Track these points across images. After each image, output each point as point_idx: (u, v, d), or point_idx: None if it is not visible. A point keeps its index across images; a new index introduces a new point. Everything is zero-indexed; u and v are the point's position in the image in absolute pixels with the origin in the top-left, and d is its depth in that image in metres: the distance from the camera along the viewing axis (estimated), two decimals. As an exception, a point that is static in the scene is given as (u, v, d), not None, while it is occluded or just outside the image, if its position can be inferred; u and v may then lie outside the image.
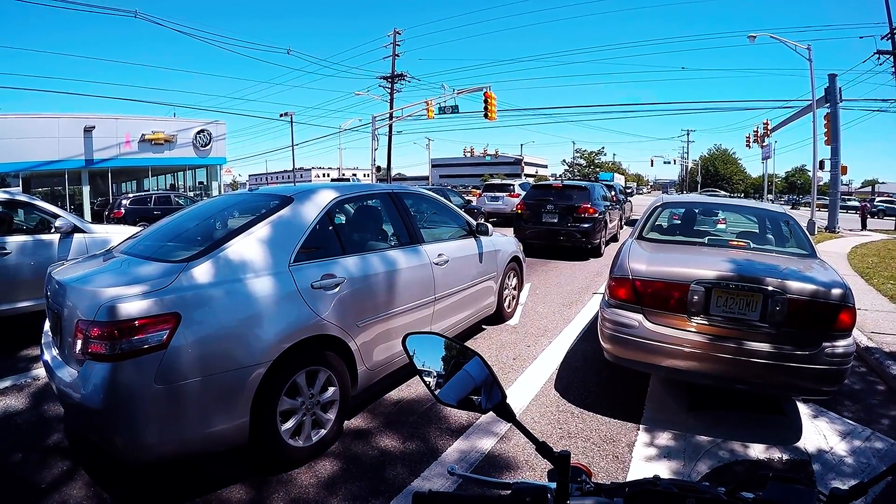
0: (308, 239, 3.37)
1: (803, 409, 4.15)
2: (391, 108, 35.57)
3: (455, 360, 1.14)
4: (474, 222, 5.53)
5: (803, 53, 22.50)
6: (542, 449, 0.98)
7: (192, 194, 29.80)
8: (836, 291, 3.63)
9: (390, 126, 35.82)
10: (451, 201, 7.56)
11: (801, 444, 3.62)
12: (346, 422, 3.59)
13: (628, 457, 3.35)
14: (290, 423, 3.02)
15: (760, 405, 4.17)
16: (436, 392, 1.13)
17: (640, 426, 3.77)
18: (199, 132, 31.91)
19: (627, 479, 1.27)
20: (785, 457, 3.46)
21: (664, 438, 3.61)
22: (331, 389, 3.26)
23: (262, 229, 3.19)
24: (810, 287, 3.66)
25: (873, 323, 6.61)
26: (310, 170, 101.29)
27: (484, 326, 5.96)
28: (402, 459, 3.22)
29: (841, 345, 3.56)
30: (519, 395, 4.21)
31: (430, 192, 5.49)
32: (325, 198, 3.69)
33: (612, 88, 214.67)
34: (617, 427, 3.74)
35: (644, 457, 3.36)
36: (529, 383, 4.48)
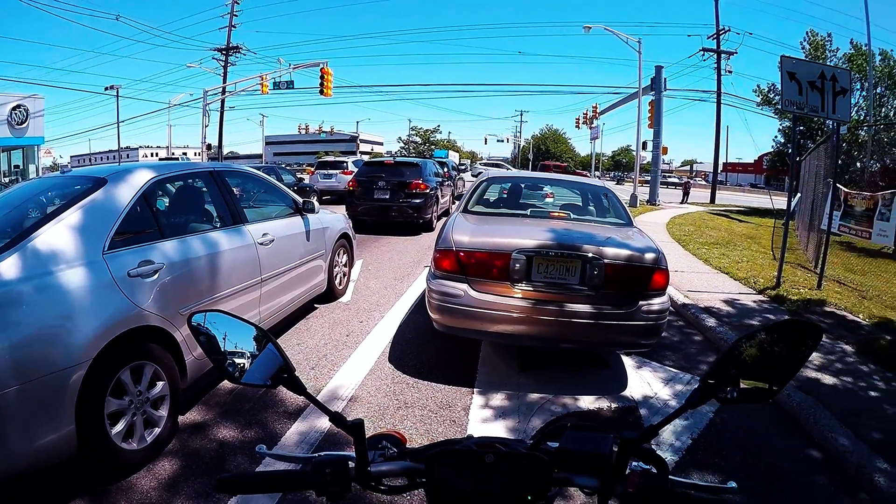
0: (123, 223, 3.10)
1: (628, 362, 4.64)
2: (224, 81, 33.67)
3: (241, 337, 1.08)
4: (300, 200, 5.45)
5: (634, 46, 24.88)
6: (336, 419, 0.98)
7: (6, 180, 25.08)
8: (650, 256, 4.05)
9: (222, 101, 33.70)
10: (282, 180, 7.32)
11: (627, 392, 4.07)
12: (180, 417, 3.39)
13: (465, 420, 3.57)
14: (120, 426, 2.78)
15: (587, 361, 4.59)
16: (230, 372, 1.07)
17: (475, 390, 4.01)
18: (13, 108, 26.59)
19: None
20: (614, 405, 3.85)
21: (498, 399, 3.87)
22: (159, 384, 3.05)
23: (72, 215, 2.87)
24: (625, 252, 4.04)
25: (689, 283, 7.65)
26: (137, 149, 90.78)
27: (316, 305, 5.93)
28: (241, 449, 3.15)
29: (656, 302, 3.98)
30: (354, 371, 4.28)
31: (253, 170, 5.33)
32: (141, 178, 3.41)
33: (449, 68, 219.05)
34: (452, 393, 3.96)
35: (480, 419, 3.59)
36: (364, 358, 4.55)
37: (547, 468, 0.88)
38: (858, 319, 5.99)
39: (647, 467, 0.92)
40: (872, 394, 4.08)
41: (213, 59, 36.01)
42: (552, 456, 0.92)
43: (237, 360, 1.07)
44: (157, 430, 3.02)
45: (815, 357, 4.68)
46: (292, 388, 1.03)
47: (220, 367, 1.08)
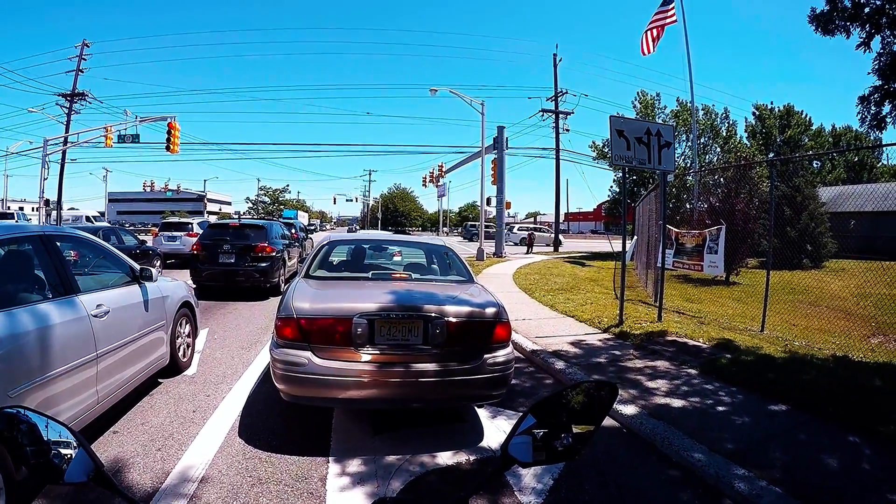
0: None
1: (482, 413, 4.79)
2: (67, 130, 31.06)
3: (51, 434, 1.03)
4: (137, 267, 5.17)
5: (477, 108, 26.19)
6: None
7: None
8: (490, 310, 4.24)
9: (64, 152, 31.09)
10: (123, 242, 6.84)
11: (484, 443, 4.22)
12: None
13: (323, 491, 3.50)
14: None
15: (442, 417, 4.69)
16: (43, 474, 1.02)
17: (330, 458, 3.95)
18: None
19: None
20: (472, 457, 3.97)
21: (355, 466, 3.84)
22: (-13, 479, 2.71)
23: None
24: (466, 309, 4.21)
25: (537, 329, 7.99)
26: (-34, 204, 77.57)
27: (160, 380, 5.54)
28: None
29: (501, 354, 4.14)
30: (203, 449, 4.05)
31: (87, 235, 4.99)
32: None
33: (299, 127, 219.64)
34: (307, 464, 3.87)
35: (338, 487, 3.54)
36: (213, 435, 4.33)
37: None
38: (699, 343, 6.69)
39: None
40: (720, 408, 4.55)
41: (57, 104, 33.67)
42: None
43: (50, 460, 1.01)
44: (-13, 533, 2.66)
45: (663, 384, 5.24)
46: (102, 484, 1.00)
47: (32, 472, 1.02)
